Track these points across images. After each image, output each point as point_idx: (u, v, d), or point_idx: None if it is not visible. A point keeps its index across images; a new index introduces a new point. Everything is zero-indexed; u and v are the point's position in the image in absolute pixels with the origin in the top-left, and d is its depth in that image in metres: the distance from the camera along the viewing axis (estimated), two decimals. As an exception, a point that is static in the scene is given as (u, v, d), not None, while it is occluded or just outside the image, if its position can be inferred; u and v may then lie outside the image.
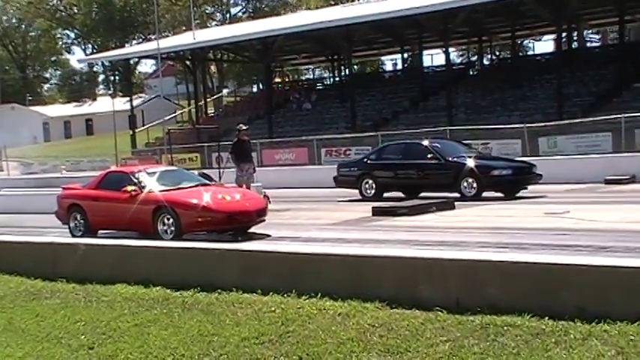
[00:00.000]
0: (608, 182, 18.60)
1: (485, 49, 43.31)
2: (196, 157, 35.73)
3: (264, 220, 13.16)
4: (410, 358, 6.34)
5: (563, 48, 35.34)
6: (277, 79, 50.63)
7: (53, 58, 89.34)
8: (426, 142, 18.15)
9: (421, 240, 10.88)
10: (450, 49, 41.44)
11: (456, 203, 15.11)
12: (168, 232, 12.59)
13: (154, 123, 43.97)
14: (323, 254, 8.35)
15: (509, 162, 18.33)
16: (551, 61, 34.46)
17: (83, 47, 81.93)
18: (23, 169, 43.71)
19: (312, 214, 16.07)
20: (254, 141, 24.73)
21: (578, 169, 20.00)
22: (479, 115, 31.08)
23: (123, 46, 63.43)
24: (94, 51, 70.93)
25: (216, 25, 65.32)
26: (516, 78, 33.61)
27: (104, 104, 64.28)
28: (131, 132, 42.61)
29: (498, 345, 6.20)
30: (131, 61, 57.19)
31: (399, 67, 47.14)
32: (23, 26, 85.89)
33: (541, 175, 17.20)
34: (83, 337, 8.11)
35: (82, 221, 14.06)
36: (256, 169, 17.97)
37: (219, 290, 8.34)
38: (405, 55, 46.32)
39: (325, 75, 54.27)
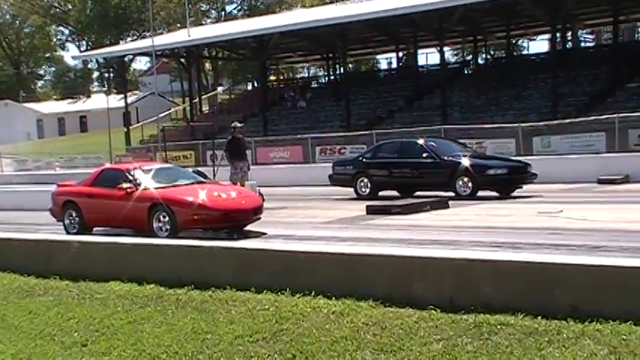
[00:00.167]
0: (601, 182, 18.66)
1: (480, 48, 43.25)
2: (191, 154, 35.64)
3: (260, 218, 13.13)
4: (403, 357, 6.35)
5: (558, 48, 35.35)
6: (272, 77, 50.56)
7: (47, 55, 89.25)
8: (421, 141, 18.14)
9: (415, 239, 10.88)
10: (445, 48, 41.35)
11: (451, 202, 15.14)
12: (164, 229, 12.53)
13: (149, 120, 43.88)
14: (317, 252, 8.35)
15: (505, 161, 18.33)
16: (546, 61, 34.44)
17: (77, 44, 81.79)
18: (17, 166, 43.60)
19: (308, 212, 16.07)
20: (249, 139, 24.71)
21: (572, 168, 20.04)
22: (473, 114, 31.06)
23: (117, 43, 63.22)
24: (89, 48, 70.67)
25: (211, 22, 65.17)
26: (511, 77, 33.62)
27: (98, 101, 64.17)
28: (125, 129, 42.53)
29: (492, 344, 6.21)
30: (126, 58, 57.06)
31: (394, 65, 47.11)
32: (17, 22, 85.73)
33: (536, 175, 17.24)
34: (76, 334, 8.11)
35: (76, 218, 14.01)
36: (250, 166, 17.94)
37: (213, 288, 8.33)
38: (400, 54, 46.32)
39: (320, 73, 54.25)
